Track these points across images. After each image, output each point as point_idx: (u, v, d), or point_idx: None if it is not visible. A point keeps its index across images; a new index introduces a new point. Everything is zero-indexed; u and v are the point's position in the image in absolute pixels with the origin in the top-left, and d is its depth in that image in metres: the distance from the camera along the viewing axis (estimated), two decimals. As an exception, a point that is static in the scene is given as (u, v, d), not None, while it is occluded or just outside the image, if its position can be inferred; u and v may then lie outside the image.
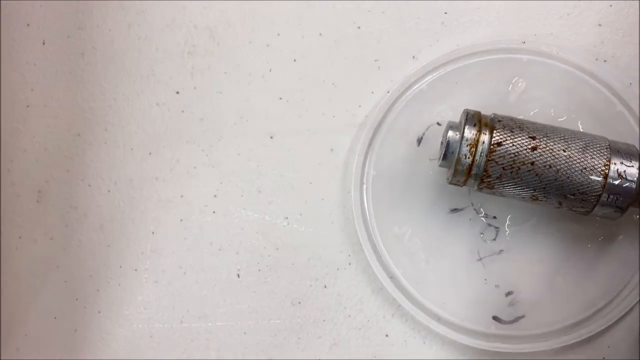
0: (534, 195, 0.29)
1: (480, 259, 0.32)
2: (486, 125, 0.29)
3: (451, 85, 0.34)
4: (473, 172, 0.29)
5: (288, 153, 0.35)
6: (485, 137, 0.28)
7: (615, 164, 0.28)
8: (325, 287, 0.34)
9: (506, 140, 0.29)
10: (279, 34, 0.36)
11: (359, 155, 0.34)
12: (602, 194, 0.28)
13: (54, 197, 0.37)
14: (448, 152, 0.29)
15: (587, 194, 0.28)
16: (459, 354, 0.33)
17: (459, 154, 0.29)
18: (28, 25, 0.37)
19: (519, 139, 0.29)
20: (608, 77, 0.32)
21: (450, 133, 0.30)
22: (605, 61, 0.33)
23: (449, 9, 0.35)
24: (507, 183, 0.29)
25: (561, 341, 0.31)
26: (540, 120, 0.33)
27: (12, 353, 0.36)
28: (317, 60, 0.35)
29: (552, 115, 0.33)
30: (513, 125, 0.29)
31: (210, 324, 0.35)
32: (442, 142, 0.30)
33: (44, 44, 0.37)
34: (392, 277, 0.33)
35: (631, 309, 0.31)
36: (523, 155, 0.28)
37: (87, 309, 0.36)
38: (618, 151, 0.29)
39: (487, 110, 0.33)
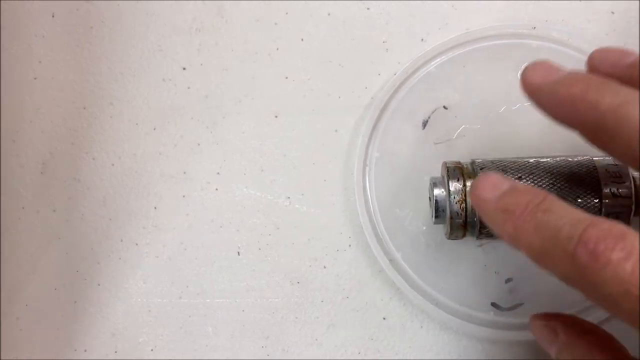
0: None
1: (481, 245, 0.32)
2: (469, 176, 0.28)
3: (459, 69, 0.33)
4: (469, 225, 0.28)
5: (292, 133, 0.35)
6: None
7: (606, 185, 0.27)
8: (325, 267, 0.34)
9: None
10: (287, 13, 0.35)
11: (363, 136, 0.34)
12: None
13: (57, 169, 0.37)
14: (439, 211, 0.29)
15: None
16: (456, 339, 0.33)
17: (450, 212, 0.28)
18: (37, -3, 0.37)
19: None
20: (619, 66, 0.32)
21: (437, 191, 0.29)
22: (616, 49, 0.32)
23: (459, -8, 0.34)
24: None
25: (560, 330, 0.31)
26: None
27: (12, 322, 0.36)
28: (324, 40, 0.35)
29: (560, 102, 0.32)
30: (495, 170, 0.28)
31: (208, 301, 0.35)
32: (429, 199, 0.30)
33: (53, 16, 0.37)
34: (391, 260, 0.33)
35: (632, 300, 0.31)
36: None
37: (87, 281, 0.36)
38: (606, 170, 0.28)
39: (495, 96, 0.33)
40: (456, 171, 0.29)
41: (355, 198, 0.33)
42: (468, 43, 0.33)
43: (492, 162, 0.29)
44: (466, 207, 0.28)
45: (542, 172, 0.28)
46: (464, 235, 0.29)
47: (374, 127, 0.34)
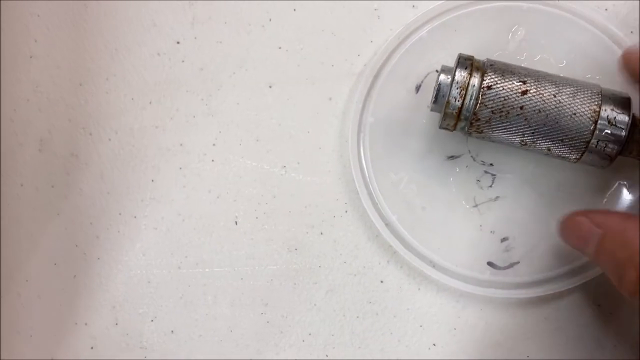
0: (522, 141, 0.29)
1: (476, 206, 0.32)
2: (478, 69, 0.29)
3: (450, 33, 0.34)
4: (462, 115, 0.29)
5: (286, 102, 0.35)
6: (475, 81, 0.28)
7: (605, 110, 0.28)
8: (322, 234, 0.34)
9: (496, 84, 0.28)
10: (279, -16, 0.36)
11: (357, 103, 0.34)
12: (591, 140, 0.28)
13: (55, 146, 0.37)
14: (439, 96, 0.29)
15: (575, 140, 0.28)
16: (453, 299, 0.33)
17: (449, 97, 0.29)
18: (32, -24, 0.38)
19: (509, 83, 0.28)
20: (609, 25, 0.32)
21: (442, 77, 0.29)
22: (606, 9, 0.33)
23: (449, -42, 0.34)
24: (496, 127, 0.29)
25: (555, 287, 0.31)
26: (539, 67, 0.33)
27: (14, 298, 0.36)
28: (316, 10, 0.35)
29: (552, 62, 0.33)
30: (505, 70, 0.29)
31: (207, 270, 0.35)
32: (434, 87, 0.30)
33: (47, -5, 0.38)
34: (387, 223, 0.33)
35: (627, 255, 0.31)
36: (512, 99, 0.28)
37: (87, 255, 0.36)
38: (609, 98, 0.28)
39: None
40: (467, 61, 0.29)
41: (351, 164, 0.34)
42: (459, 7, 0.33)
43: (505, 64, 0.29)
44: (465, 97, 0.28)
45: (548, 82, 0.28)
46: (455, 126, 0.29)
47: (368, 93, 0.34)
